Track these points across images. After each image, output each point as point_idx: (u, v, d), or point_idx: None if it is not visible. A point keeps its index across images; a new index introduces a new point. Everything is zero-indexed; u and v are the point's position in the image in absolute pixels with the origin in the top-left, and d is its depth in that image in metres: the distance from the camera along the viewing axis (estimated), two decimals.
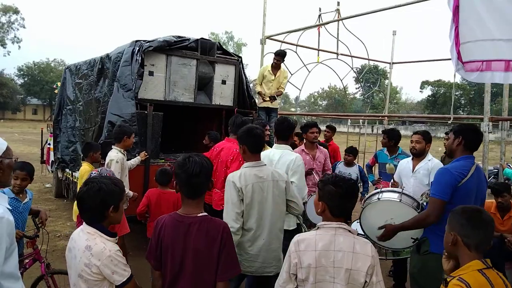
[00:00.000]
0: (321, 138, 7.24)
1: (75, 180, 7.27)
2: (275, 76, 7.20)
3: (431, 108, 52.80)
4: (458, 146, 2.97)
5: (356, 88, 54.77)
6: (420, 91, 57.84)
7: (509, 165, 8.56)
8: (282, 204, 2.96)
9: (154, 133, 5.72)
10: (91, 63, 6.98)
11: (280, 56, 7.22)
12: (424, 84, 55.26)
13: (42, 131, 10.49)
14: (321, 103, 69.91)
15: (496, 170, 9.88)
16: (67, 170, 7.59)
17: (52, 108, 52.56)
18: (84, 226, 2.13)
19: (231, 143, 4.41)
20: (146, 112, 5.65)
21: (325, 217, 2.15)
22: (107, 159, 4.52)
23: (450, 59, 3.44)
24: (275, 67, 7.23)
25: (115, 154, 4.50)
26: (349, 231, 2.10)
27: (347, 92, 53.98)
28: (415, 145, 4.25)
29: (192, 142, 7.45)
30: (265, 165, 3.01)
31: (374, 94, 42.60)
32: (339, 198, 2.10)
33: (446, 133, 5.47)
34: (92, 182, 2.09)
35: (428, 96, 56.26)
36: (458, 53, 3.33)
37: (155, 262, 2.19)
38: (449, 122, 5.60)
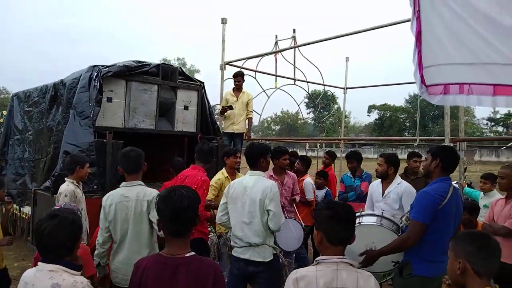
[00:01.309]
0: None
1: (24, 216, 6.76)
2: (237, 98, 7.15)
3: (379, 130, 55.11)
4: (435, 168, 3.01)
5: (307, 113, 56.23)
6: (368, 115, 60.40)
7: (470, 183, 8.87)
8: (145, 223, 3.16)
9: (114, 162, 5.41)
10: (42, 89, 6.61)
11: (240, 76, 7.27)
12: (371, 108, 57.76)
13: None
14: (274, 127, 70.92)
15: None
16: (14, 205, 7.02)
17: None
18: (42, 265, 1.99)
19: (196, 171, 4.26)
20: (105, 140, 5.37)
21: (323, 248, 2.04)
22: (58, 192, 4.21)
23: (397, 84, 3.52)
24: (237, 89, 7.24)
25: (65, 187, 4.18)
26: (351, 264, 2.02)
27: (299, 117, 55.22)
28: (377, 168, 4.32)
29: (155, 170, 7.18)
30: (137, 185, 3.23)
31: (326, 118, 43.94)
32: (335, 223, 2.02)
33: (411, 155, 5.68)
34: (60, 215, 2.02)
35: (375, 119, 58.78)
36: (422, 77, 3.44)
37: None
38: (415, 144, 5.81)
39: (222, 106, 7.04)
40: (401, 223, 3.29)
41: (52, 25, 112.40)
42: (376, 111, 57.99)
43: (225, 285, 2.02)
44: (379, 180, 4.38)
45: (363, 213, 3.38)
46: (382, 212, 3.30)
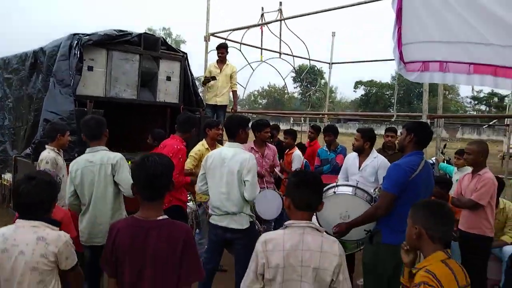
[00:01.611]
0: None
1: (5, 183, 6.74)
2: (220, 70, 7.09)
3: (364, 106, 55.43)
4: (409, 142, 3.13)
5: (294, 88, 56.11)
6: (354, 91, 60.52)
7: (449, 159, 9.08)
8: (109, 185, 3.30)
9: None
10: (22, 57, 6.48)
11: (223, 48, 7.18)
12: (357, 84, 57.84)
13: None
14: (260, 101, 70.71)
15: (433, 164, 10.53)
16: None
17: None
18: (21, 222, 2.14)
19: (174, 140, 4.33)
20: (85, 109, 5.34)
21: (292, 213, 2.13)
22: (39, 159, 4.25)
23: (383, 60, 3.58)
24: (221, 61, 7.16)
25: (46, 153, 4.21)
26: (317, 229, 2.10)
27: (286, 91, 55.10)
28: (354, 142, 4.44)
29: (136, 140, 7.18)
30: (101, 150, 3.38)
31: (312, 93, 43.94)
32: (300, 189, 2.10)
33: (388, 130, 5.80)
34: (37, 177, 2.19)
35: (361, 95, 58.99)
36: (400, 53, 3.49)
37: (110, 269, 2.05)
38: (393, 119, 5.90)
39: (205, 77, 6.97)
40: (374, 194, 3.43)
41: None
42: (363, 87, 58.14)
43: (196, 248, 2.08)
44: (355, 153, 4.49)
45: (338, 183, 3.50)
46: (357, 183, 3.43)
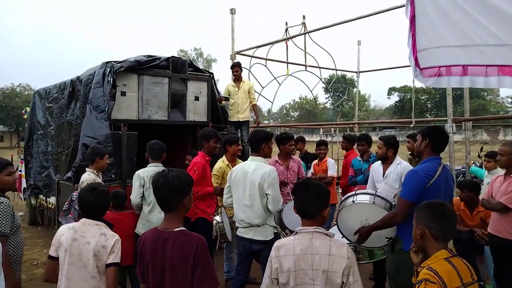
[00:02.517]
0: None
1: (50, 206, 7.15)
2: (238, 88, 7.31)
3: (400, 113, 54.25)
4: (425, 148, 3.12)
5: (326, 98, 55.81)
6: (388, 98, 59.48)
7: (475, 163, 8.91)
8: None
9: (129, 153, 5.73)
10: (61, 86, 6.95)
11: (237, 67, 7.42)
12: (391, 90, 56.87)
13: (12, 157, 10.24)
14: (293, 114, 70.74)
15: (464, 169, 10.28)
16: (41, 196, 7.45)
17: (20, 134, 51.14)
18: (87, 220, 2.76)
19: (197, 156, 4.65)
20: (120, 132, 5.66)
21: (302, 221, 2.28)
22: (80, 180, 4.51)
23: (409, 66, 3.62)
24: (236, 79, 7.41)
25: (86, 176, 4.48)
26: (326, 234, 2.21)
27: (317, 102, 54.89)
28: (377, 151, 4.46)
29: (169, 159, 7.45)
30: (161, 166, 4.26)
31: (344, 102, 43.52)
32: (298, 196, 2.30)
33: (409, 136, 5.75)
34: (98, 187, 2.87)
35: (396, 102, 57.85)
36: (416, 60, 3.52)
37: (141, 276, 2.25)
38: (411, 126, 5.85)
39: (218, 97, 7.13)
40: (394, 201, 3.44)
41: (72, 23, 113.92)
42: (397, 93, 57.04)
43: (209, 257, 2.17)
44: (380, 161, 4.52)
45: (357, 192, 3.54)
46: (376, 191, 3.46)
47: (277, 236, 3.69)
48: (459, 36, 3.23)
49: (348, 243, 2.74)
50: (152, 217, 4.27)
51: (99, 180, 4.64)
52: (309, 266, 2.13)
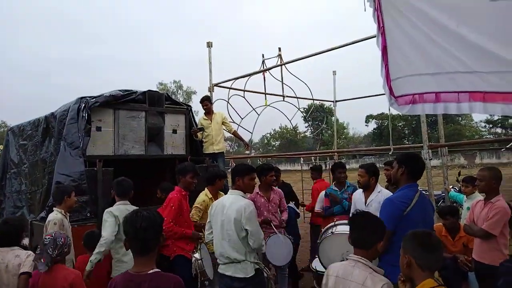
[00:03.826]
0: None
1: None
2: (211, 121, 7.34)
3: (378, 140, 55.18)
4: (402, 175, 3.13)
5: (306, 127, 56.47)
6: (366, 125, 60.54)
7: (454, 188, 9.01)
8: None
9: (105, 190, 5.54)
10: (35, 123, 6.79)
11: (206, 101, 7.49)
12: (368, 118, 57.96)
13: None
14: (274, 143, 71.07)
15: (443, 194, 10.39)
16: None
17: None
18: (2, 248, 3.30)
19: (173, 191, 4.57)
20: (95, 169, 5.51)
21: (354, 250, 2.51)
22: (47, 220, 4.36)
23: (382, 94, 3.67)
24: (207, 112, 7.45)
25: (54, 215, 4.35)
26: (370, 267, 2.36)
27: (297, 131, 55.43)
28: (359, 179, 4.45)
29: (147, 195, 7.30)
30: (129, 204, 4.20)
31: (323, 131, 44.07)
32: (358, 228, 2.51)
33: (386, 163, 5.77)
34: (11, 221, 3.47)
35: (374, 129, 58.91)
36: (390, 88, 3.58)
37: None
38: (390, 153, 5.91)
39: (192, 130, 7.05)
40: None
41: (48, 54, 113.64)
42: (374, 120, 58.17)
43: None
44: (361, 190, 4.51)
45: (337, 222, 3.49)
46: None
47: (258, 273, 3.57)
48: (430, 64, 3.30)
49: None
50: (126, 258, 4.05)
51: (67, 221, 4.48)
52: None
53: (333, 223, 3.52)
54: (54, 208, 4.45)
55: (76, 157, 5.39)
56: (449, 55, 3.12)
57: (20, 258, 3.23)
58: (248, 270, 3.50)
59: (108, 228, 4.09)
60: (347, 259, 2.45)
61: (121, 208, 4.15)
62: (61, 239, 3.21)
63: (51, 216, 4.33)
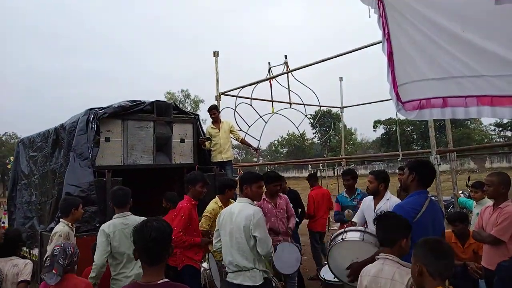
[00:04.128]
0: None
1: (33, 258, 6.89)
2: (218, 129, 7.37)
3: (386, 145, 54.81)
4: (412, 181, 3.13)
5: (313, 133, 56.34)
6: (374, 131, 60.19)
7: (464, 193, 8.92)
8: None
9: None
10: (45, 134, 6.87)
11: (213, 109, 7.55)
12: (376, 123, 57.62)
13: None
14: (282, 150, 70.96)
15: (452, 200, 10.28)
16: (24, 248, 7.16)
17: (5, 184, 50.28)
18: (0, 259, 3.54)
19: (182, 200, 4.55)
20: (104, 179, 5.55)
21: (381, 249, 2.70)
22: (52, 232, 4.33)
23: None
24: (215, 121, 7.49)
25: (60, 227, 4.29)
26: (398, 262, 2.52)
27: (305, 137, 55.34)
28: (368, 185, 4.42)
29: (156, 204, 7.32)
30: (130, 215, 4.00)
31: (331, 137, 43.94)
32: (382, 228, 2.70)
33: (400, 168, 5.73)
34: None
35: (382, 134, 58.56)
36: (397, 94, 3.58)
37: None
38: (399, 159, 5.89)
39: (200, 139, 7.07)
40: None
41: (52, 68, 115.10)
42: (382, 126, 57.84)
43: None
44: (371, 196, 4.48)
45: (347, 229, 3.49)
46: (365, 227, 3.41)
47: (267, 281, 3.56)
48: (436, 69, 3.30)
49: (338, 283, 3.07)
50: (121, 276, 3.90)
51: (73, 234, 4.43)
52: (378, 287, 2.45)
53: (343, 229, 3.51)
54: (61, 220, 4.43)
55: (85, 168, 5.44)
56: (455, 59, 3.11)
57: (18, 267, 3.44)
58: (257, 278, 3.50)
59: (98, 252, 3.90)
60: (377, 258, 2.60)
61: (116, 223, 3.96)
62: (71, 248, 3.27)
63: (58, 228, 4.30)
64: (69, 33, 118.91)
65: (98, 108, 5.84)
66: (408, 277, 2.33)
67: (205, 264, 4.17)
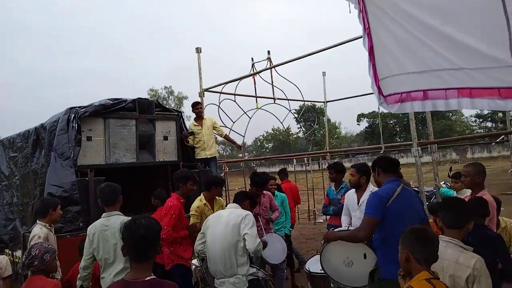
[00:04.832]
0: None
1: (17, 260, 6.78)
2: (201, 126, 7.36)
3: (370, 138, 55.42)
4: (379, 175, 3.36)
5: (298, 128, 56.55)
6: (358, 124, 60.78)
7: (446, 184, 9.06)
8: (120, 247, 3.77)
9: (96, 199, 5.49)
10: (25, 134, 6.73)
11: (198, 106, 7.57)
12: (360, 117, 58.20)
13: None
14: (267, 145, 71.09)
15: (434, 191, 10.45)
16: (7, 250, 7.04)
17: None
18: None
19: (171, 198, 4.51)
20: (87, 178, 5.48)
21: (445, 231, 2.69)
22: (31, 234, 4.20)
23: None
24: (198, 117, 7.49)
25: (38, 229, 4.17)
26: (461, 246, 2.54)
27: (290, 132, 55.53)
28: (350, 178, 4.49)
29: (140, 202, 7.26)
30: (115, 215, 3.69)
31: (316, 131, 44.17)
32: (454, 211, 2.69)
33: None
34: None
35: (366, 127, 59.17)
36: (379, 88, 3.62)
37: None
38: (381, 152, 5.96)
39: (183, 134, 7.01)
40: None
41: (52, 68, 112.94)
42: (366, 119, 58.42)
43: None
44: (354, 190, 4.53)
45: (336, 230, 3.59)
46: (348, 226, 3.51)
47: (254, 282, 3.62)
48: (416, 63, 3.34)
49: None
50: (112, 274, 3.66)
51: (52, 234, 4.34)
52: (440, 268, 2.45)
53: (332, 229, 3.61)
54: (38, 221, 4.27)
55: (67, 168, 5.36)
56: (435, 53, 3.15)
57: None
58: (241, 284, 3.60)
59: (83, 254, 3.77)
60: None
61: (97, 224, 3.74)
62: (36, 250, 3.20)
63: (36, 231, 4.15)
64: (69, 33, 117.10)
65: (79, 106, 5.75)
66: (474, 260, 2.39)
67: (194, 261, 4.17)
